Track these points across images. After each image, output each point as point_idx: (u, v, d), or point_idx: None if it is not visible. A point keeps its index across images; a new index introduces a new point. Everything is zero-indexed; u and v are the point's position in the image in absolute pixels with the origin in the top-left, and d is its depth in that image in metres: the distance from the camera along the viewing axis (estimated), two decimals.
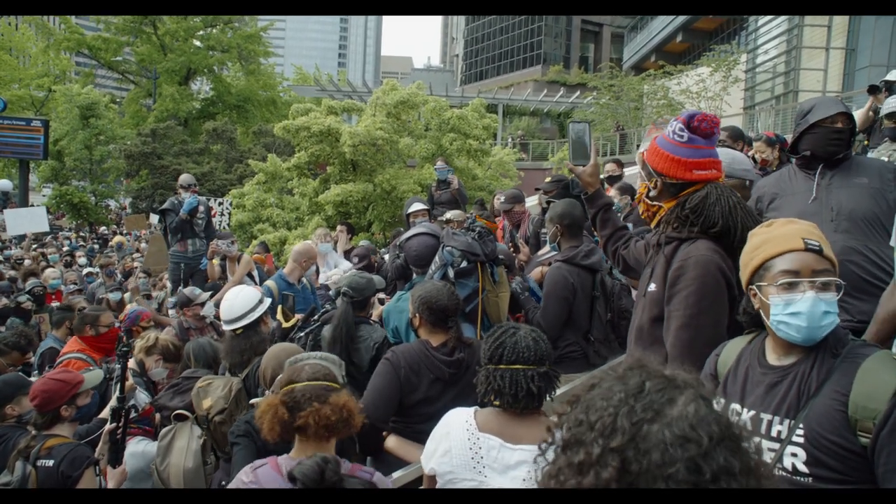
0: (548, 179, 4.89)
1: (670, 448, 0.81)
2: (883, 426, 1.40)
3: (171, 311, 6.36)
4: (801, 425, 1.53)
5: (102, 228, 28.16)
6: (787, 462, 1.54)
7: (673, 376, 0.93)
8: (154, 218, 15.15)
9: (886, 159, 3.95)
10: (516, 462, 1.95)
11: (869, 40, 18.82)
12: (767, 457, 1.54)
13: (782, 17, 21.74)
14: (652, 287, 2.27)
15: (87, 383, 3.17)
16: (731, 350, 1.84)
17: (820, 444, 1.49)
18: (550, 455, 0.97)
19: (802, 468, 1.52)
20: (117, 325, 5.06)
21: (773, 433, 1.59)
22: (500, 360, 2.02)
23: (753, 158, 5.34)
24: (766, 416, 1.62)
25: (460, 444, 2.01)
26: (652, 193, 2.27)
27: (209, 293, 5.44)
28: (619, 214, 4.29)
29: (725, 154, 3.32)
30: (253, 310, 3.52)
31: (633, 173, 8.08)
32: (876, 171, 2.93)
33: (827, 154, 2.98)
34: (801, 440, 1.53)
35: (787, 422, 1.57)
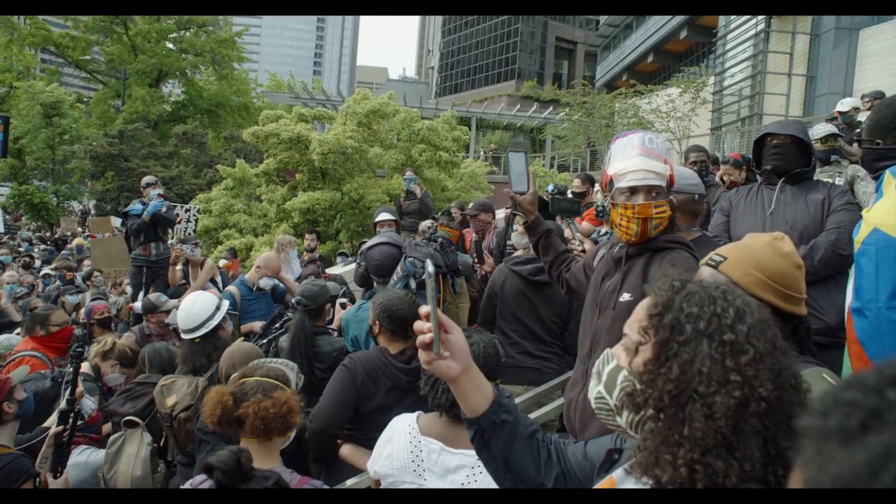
0: None
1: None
2: None
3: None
4: None
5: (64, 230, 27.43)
6: None
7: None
8: (116, 221, 14.86)
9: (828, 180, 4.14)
10: (455, 466, 1.97)
11: (826, 69, 19.50)
12: None
13: (748, 43, 22.34)
14: (626, 297, 2.25)
15: (16, 378, 3.03)
16: None
17: None
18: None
19: None
20: (70, 324, 4.93)
21: None
22: None
23: (722, 180, 5.46)
24: None
25: (402, 448, 2.02)
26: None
27: (176, 301, 5.29)
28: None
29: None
30: (211, 318, 3.42)
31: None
32: (830, 188, 3.07)
33: (775, 168, 3.12)
34: None
35: None
